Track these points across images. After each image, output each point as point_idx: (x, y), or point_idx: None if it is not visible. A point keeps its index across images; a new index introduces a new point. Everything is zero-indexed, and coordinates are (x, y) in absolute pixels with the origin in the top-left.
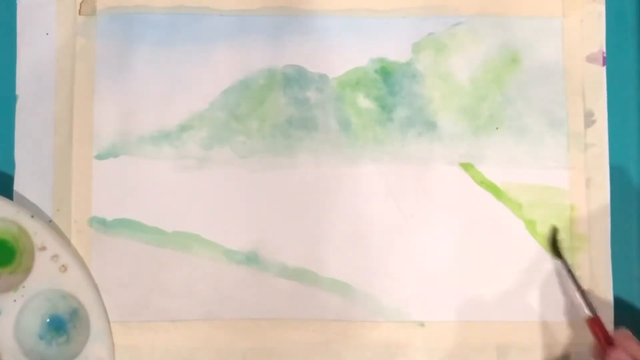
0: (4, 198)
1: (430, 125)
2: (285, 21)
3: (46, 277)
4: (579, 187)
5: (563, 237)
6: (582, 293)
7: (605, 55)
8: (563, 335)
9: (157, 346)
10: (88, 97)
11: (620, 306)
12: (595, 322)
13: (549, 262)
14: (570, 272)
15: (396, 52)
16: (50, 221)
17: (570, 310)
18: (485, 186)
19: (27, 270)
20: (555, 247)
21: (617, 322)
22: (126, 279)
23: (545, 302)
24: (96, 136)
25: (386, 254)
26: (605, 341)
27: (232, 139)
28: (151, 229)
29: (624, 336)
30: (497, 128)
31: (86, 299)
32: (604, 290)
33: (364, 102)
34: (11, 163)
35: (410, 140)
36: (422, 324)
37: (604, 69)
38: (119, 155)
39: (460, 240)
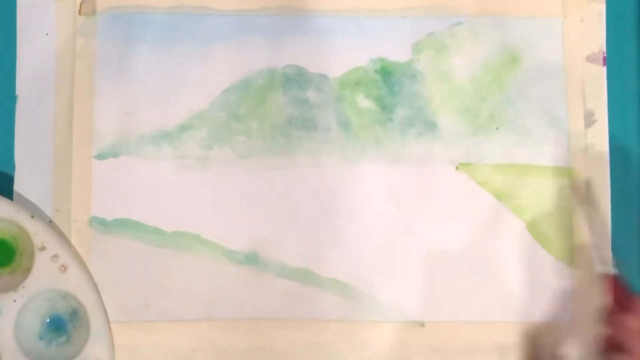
0: (4, 198)
1: (430, 125)
2: (285, 21)
3: (46, 277)
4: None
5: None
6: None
7: (605, 55)
8: (563, 335)
9: (157, 346)
10: (88, 97)
11: None
12: (614, 280)
13: (549, 262)
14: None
15: (396, 52)
16: (50, 221)
17: (571, 310)
18: (485, 186)
19: (27, 270)
20: (587, 195)
21: None
22: (126, 279)
23: (545, 302)
24: (96, 136)
25: (386, 253)
26: (622, 303)
27: (232, 139)
28: (151, 229)
29: None
30: (497, 128)
31: (86, 299)
32: None
33: (364, 102)
34: (11, 163)
35: (410, 140)
36: (422, 324)
37: (604, 69)
38: (119, 155)
39: (461, 240)
